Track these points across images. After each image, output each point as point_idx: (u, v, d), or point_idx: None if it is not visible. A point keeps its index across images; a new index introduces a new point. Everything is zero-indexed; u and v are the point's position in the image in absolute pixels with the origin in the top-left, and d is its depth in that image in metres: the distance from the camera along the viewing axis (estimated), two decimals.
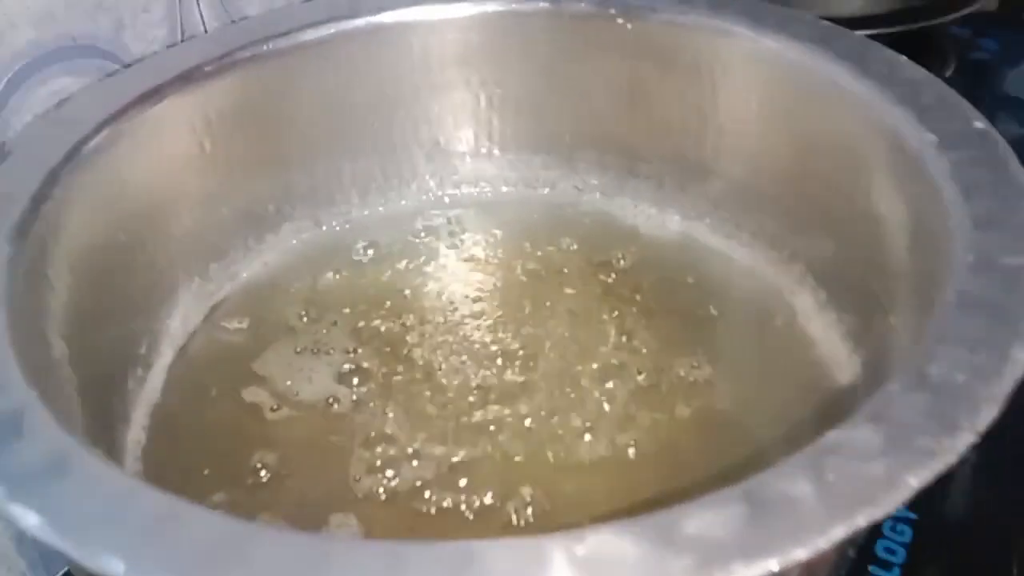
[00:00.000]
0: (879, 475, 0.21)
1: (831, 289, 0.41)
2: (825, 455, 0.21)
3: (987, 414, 0.22)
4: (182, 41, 0.49)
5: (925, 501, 0.21)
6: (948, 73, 0.64)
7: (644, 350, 0.41)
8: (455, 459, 0.36)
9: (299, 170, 0.46)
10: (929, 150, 0.32)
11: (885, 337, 0.37)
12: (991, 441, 0.22)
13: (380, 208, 0.49)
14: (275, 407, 0.39)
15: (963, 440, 0.21)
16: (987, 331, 0.25)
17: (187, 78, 0.40)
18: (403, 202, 0.50)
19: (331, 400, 0.39)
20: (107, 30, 0.45)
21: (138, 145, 0.38)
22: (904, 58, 0.37)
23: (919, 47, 0.60)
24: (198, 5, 0.48)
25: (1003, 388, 0.23)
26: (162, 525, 0.21)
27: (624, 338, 0.41)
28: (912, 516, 0.40)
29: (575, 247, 0.47)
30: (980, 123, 0.32)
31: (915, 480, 0.21)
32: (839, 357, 0.40)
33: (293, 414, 0.38)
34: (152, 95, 0.39)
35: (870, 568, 0.37)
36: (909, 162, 0.34)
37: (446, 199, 0.50)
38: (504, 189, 0.50)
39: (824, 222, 0.41)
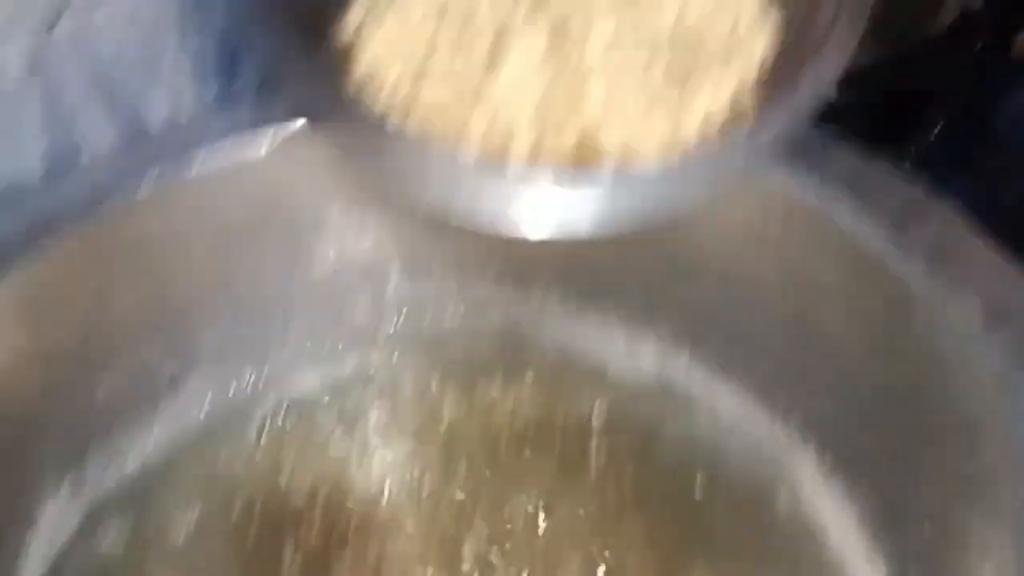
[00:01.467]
0: None
1: (840, 455, 0.34)
2: None
3: None
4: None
5: None
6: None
7: (625, 548, 0.34)
8: None
9: (196, 322, 0.38)
10: (972, 324, 0.25)
11: (910, 525, 0.30)
12: None
13: (304, 356, 0.41)
14: None
15: None
16: None
17: None
18: (328, 344, 0.41)
19: None
20: None
21: None
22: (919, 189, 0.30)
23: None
24: None
25: None
26: None
27: (601, 529, 0.34)
28: None
29: (533, 395, 0.39)
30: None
31: None
32: (855, 551, 0.33)
33: None
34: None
35: None
36: (944, 337, 0.27)
37: (383, 338, 0.42)
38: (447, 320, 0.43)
39: (833, 374, 0.34)
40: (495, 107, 0.28)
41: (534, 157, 0.28)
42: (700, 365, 0.39)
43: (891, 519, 0.31)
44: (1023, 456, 0.24)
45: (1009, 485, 0.24)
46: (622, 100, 0.28)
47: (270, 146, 0.34)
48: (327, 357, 0.41)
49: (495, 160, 0.27)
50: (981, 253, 0.28)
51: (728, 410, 0.38)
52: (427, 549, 0.34)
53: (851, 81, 0.27)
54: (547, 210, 0.28)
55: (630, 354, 0.41)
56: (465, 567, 0.33)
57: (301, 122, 0.33)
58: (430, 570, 0.33)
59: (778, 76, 0.29)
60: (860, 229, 0.30)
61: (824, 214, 0.31)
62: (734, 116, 0.28)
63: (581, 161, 0.28)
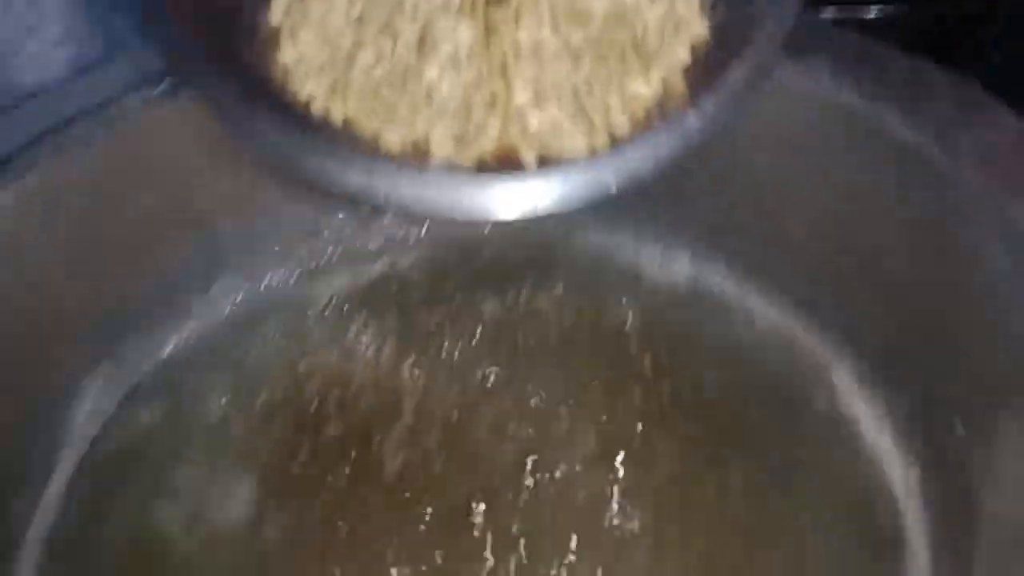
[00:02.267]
0: None
1: (877, 362, 0.34)
2: None
3: None
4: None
5: None
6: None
7: (655, 447, 0.33)
8: None
9: (226, 221, 0.38)
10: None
11: (943, 433, 0.29)
12: None
13: (334, 256, 0.41)
14: (184, 533, 0.32)
15: None
16: None
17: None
18: (358, 245, 0.42)
19: (254, 528, 0.32)
20: None
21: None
22: (978, 90, 0.28)
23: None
24: None
25: None
26: None
27: (629, 429, 0.34)
28: None
29: (565, 299, 0.39)
30: None
31: None
32: (890, 454, 0.32)
33: (205, 544, 0.32)
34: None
35: None
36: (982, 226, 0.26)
37: (411, 240, 0.42)
38: (479, 226, 0.42)
39: (872, 282, 0.33)
40: (422, 97, 0.27)
41: (460, 148, 0.27)
42: (736, 272, 0.38)
43: (923, 419, 0.30)
44: None
45: None
46: (551, 86, 0.27)
47: None
48: (357, 259, 0.41)
49: (417, 154, 0.26)
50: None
51: (764, 315, 0.37)
52: (453, 441, 0.34)
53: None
54: (475, 200, 0.27)
55: (664, 262, 0.40)
56: (492, 464, 0.34)
57: None
58: (454, 464, 0.34)
59: (715, 56, 0.27)
60: (904, 131, 0.28)
61: (865, 116, 0.30)
62: (668, 98, 0.27)
63: (508, 150, 0.27)
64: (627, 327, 0.38)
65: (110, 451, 0.35)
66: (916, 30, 0.49)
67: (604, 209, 0.40)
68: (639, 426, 0.34)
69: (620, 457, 0.33)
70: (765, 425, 0.34)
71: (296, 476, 0.34)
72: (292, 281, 0.40)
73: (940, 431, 0.30)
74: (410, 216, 0.36)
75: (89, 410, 0.35)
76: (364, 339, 0.38)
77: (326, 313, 0.39)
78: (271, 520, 0.32)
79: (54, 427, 0.34)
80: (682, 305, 0.38)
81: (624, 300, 0.39)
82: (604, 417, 0.35)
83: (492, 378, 0.36)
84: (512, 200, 0.26)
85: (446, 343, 0.38)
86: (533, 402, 0.35)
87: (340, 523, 0.32)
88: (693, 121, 0.26)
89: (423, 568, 0.31)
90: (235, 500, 0.33)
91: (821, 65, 0.30)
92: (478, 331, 0.38)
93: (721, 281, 0.39)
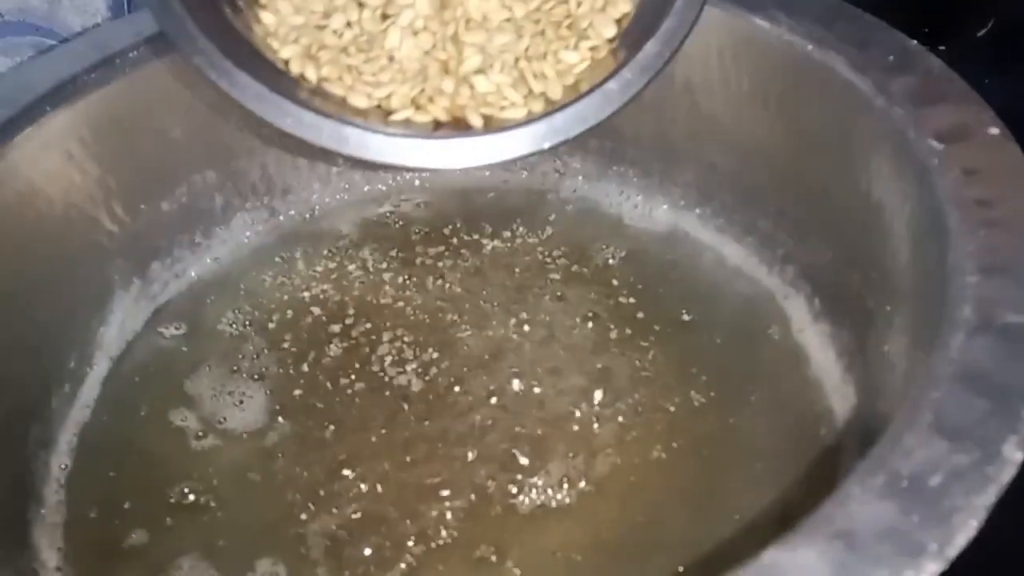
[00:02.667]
0: None
1: (827, 298, 0.37)
2: None
3: (963, 535, 0.18)
4: (128, 12, 0.45)
5: None
6: (983, 31, 0.57)
7: (628, 367, 0.37)
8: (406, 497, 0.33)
9: (247, 159, 0.42)
10: (933, 162, 0.27)
11: (879, 363, 0.33)
12: None
13: (344, 195, 0.45)
14: (201, 434, 0.36)
15: (928, 570, 0.18)
16: (976, 414, 0.20)
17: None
18: (367, 187, 0.46)
19: (265, 430, 0.36)
20: (40, 3, 0.41)
21: (46, 144, 0.35)
22: (915, 43, 0.31)
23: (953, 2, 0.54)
24: None
25: (986, 499, 0.19)
26: None
27: (606, 351, 0.38)
28: None
29: (555, 238, 0.43)
30: (995, 128, 0.27)
31: None
32: (833, 379, 0.36)
33: (219, 444, 0.36)
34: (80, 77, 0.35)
35: None
36: (912, 171, 0.29)
37: (416, 182, 0.46)
38: (474, 173, 0.46)
39: (821, 223, 0.37)
40: (385, 61, 0.32)
41: (418, 110, 0.31)
42: (710, 218, 0.42)
43: (864, 352, 0.34)
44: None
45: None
46: (496, 53, 0.32)
47: None
48: (365, 199, 0.45)
49: (381, 114, 0.31)
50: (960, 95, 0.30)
51: (732, 255, 0.41)
52: (447, 359, 0.38)
53: None
54: (429, 154, 0.31)
55: (645, 210, 0.44)
56: (483, 378, 0.37)
57: None
58: (447, 379, 0.37)
59: (635, 27, 0.32)
60: (850, 74, 0.32)
61: (824, 68, 0.33)
62: (596, 66, 0.32)
63: (458, 112, 0.31)
64: (610, 263, 0.41)
65: (137, 362, 0.39)
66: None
67: (590, 162, 0.45)
68: (615, 348, 0.38)
69: (596, 373, 0.37)
70: (727, 350, 0.37)
71: (303, 387, 0.37)
72: (306, 216, 0.44)
73: (875, 357, 0.33)
74: (376, 166, 0.39)
75: (120, 324, 0.39)
76: (369, 268, 0.42)
77: (336, 246, 0.43)
78: (279, 425, 0.36)
79: (88, 338, 0.38)
80: (660, 246, 0.42)
81: (608, 241, 0.42)
82: (585, 340, 0.38)
83: (486, 305, 0.40)
84: (460, 155, 0.31)
85: (445, 274, 0.41)
86: (524, 327, 0.39)
87: (342, 426, 0.36)
88: (615, 88, 0.30)
89: (415, 459, 0.35)
90: (247, 408, 0.37)
91: (781, 19, 0.34)
92: (474, 264, 0.42)
93: (695, 227, 0.42)
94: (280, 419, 0.36)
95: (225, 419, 0.37)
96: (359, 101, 0.32)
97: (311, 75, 0.32)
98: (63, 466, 0.35)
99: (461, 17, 0.32)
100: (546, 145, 0.31)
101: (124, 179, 0.38)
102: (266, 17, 0.33)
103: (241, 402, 0.37)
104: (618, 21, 0.32)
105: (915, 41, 0.31)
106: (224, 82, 0.30)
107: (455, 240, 0.43)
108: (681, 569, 0.30)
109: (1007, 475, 0.19)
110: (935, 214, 0.27)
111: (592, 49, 0.32)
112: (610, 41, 0.32)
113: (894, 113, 0.29)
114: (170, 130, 0.39)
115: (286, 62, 0.32)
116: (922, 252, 0.28)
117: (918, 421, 0.20)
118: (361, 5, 0.33)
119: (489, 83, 0.32)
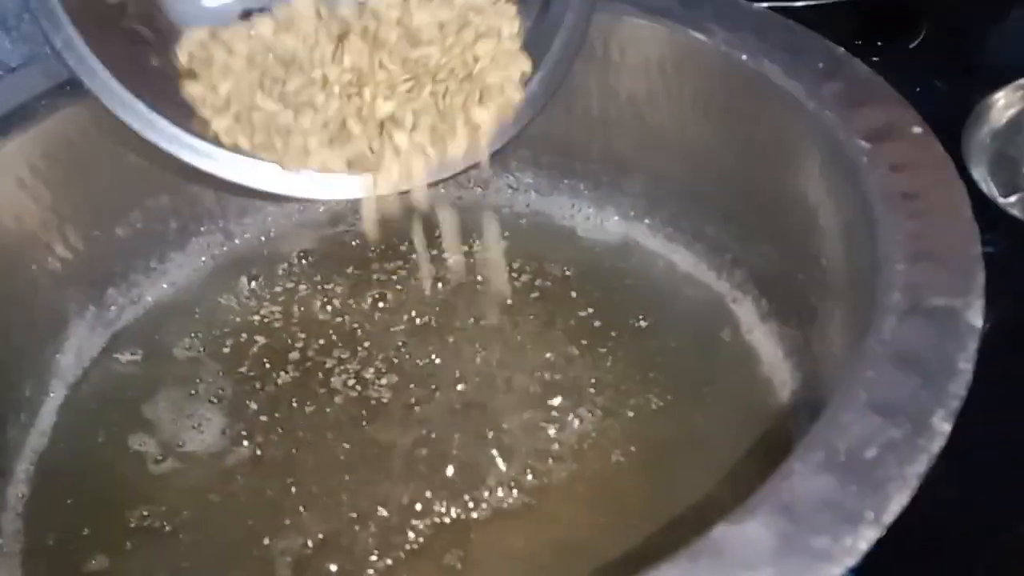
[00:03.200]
0: None
1: (774, 299, 0.38)
2: (705, 560, 0.18)
3: (897, 502, 0.19)
4: None
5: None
6: (918, 39, 0.60)
7: (586, 374, 0.38)
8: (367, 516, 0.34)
9: (201, 182, 0.42)
10: (862, 160, 0.29)
11: (823, 356, 0.34)
12: (959, 440, 0.20)
13: (299, 216, 0.45)
14: (160, 458, 0.36)
15: (866, 537, 0.18)
16: (908, 390, 0.21)
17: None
18: (323, 208, 0.46)
19: (223, 453, 0.36)
20: None
21: None
22: (842, 50, 0.33)
23: (888, 9, 0.57)
24: None
25: (917, 468, 0.20)
26: None
27: (562, 356, 0.38)
28: None
29: (511, 252, 0.43)
30: (918, 128, 0.29)
31: None
32: (782, 375, 0.37)
33: (179, 468, 0.36)
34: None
35: None
36: (842, 171, 0.30)
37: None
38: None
39: (765, 226, 0.38)
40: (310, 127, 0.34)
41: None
42: (659, 227, 0.43)
43: (810, 347, 0.35)
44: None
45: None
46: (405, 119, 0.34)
47: None
48: (320, 220, 0.46)
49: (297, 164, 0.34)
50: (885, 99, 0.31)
51: (682, 262, 0.42)
52: (403, 373, 0.38)
53: None
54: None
55: (596, 221, 0.45)
56: (435, 393, 0.38)
57: None
58: (407, 394, 0.38)
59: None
60: (784, 81, 0.33)
61: (759, 77, 0.35)
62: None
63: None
64: (566, 274, 0.42)
65: (94, 388, 0.39)
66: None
67: (543, 176, 0.46)
68: (574, 354, 0.39)
69: (555, 382, 0.38)
70: (681, 352, 0.38)
71: (261, 408, 0.38)
72: (261, 239, 0.45)
73: (819, 350, 0.34)
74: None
75: (76, 351, 0.39)
76: (325, 288, 0.42)
77: (292, 267, 0.43)
78: (238, 447, 0.36)
79: (44, 366, 0.38)
80: (613, 256, 0.43)
81: (562, 253, 0.43)
82: (543, 349, 0.39)
83: (442, 319, 0.40)
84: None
85: (401, 290, 0.42)
86: (482, 339, 0.39)
87: (301, 446, 0.36)
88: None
89: (374, 474, 0.35)
90: (205, 431, 0.37)
91: (717, 32, 0.35)
92: (430, 279, 0.42)
93: (646, 236, 0.43)
94: (239, 441, 0.37)
95: (184, 443, 0.37)
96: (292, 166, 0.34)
97: (244, 144, 0.33)
98: (20, 495, 0.35)
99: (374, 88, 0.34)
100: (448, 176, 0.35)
101: (77, 205, 0.38)
102: (193, 86, 0.33)
103: (199, 425, 0.37)
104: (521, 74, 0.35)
105: (843, 49, 0.33)
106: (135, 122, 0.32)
107: (413, 256, 0.44)
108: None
109: (936, 445, 0.20)
110: (864, 208, 0.28)
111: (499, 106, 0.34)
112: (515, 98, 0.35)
113: (824, 116, 0.31)
114: (123, 155, 0.39)
115: (215, 133, 0.33)
116: (855, 245, 0.29)
117: (854, 400, 0.21)
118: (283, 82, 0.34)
119: (407, 141, 0.34)
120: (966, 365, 0.22)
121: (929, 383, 0.22)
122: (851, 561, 0.18)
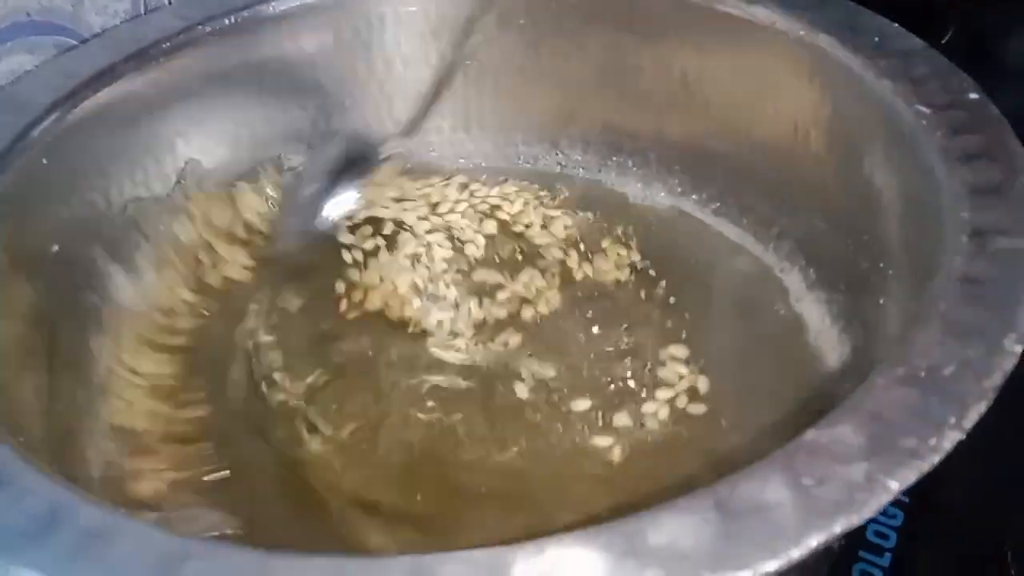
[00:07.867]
0: (858, 478, 0.19)
1: (821, 268, 0.40)
2: (802, 456, 0.20)
3: (975, 410, 0.21)
4: (144, 13, 0.47)
5: (918, 484, 0.20)
6: (944, 40, 0.62)
7: (635, 334, 0.39)
8: None
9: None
10: (921, 124, 0.31)
11: (874, 320, 0.35)
12: (987, 424, 0.21)
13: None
14: None
15: (949, 439, 0.20)
16: (979, 319, 0.23)
17: (143, 56, 0.38)
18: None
19: None
20: (64, 4, 0.43)
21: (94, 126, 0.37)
22: (896, 26, 0.35)
23: (914, 11, 0.58)
24: None
25: (993, 382, 0.21)
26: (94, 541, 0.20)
27: (614, 320, 0.40)
28: (905, 499, 0.38)
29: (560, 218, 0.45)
30: (975, 94, 0.31)
31: (896, 483, 0.19)
32: (830, 341, 0.38)
33: None
34: (106, 74, 0.37)
35: (860, 553, 0.36)
36: (901, 136, 0.32)
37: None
38: (484, 165, 0.49)
39: (814, 198, 0.39)
40: None
41: None
42: (709, 201, 0.45)
43: (859, 314, 0.37)
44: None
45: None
46: None
47: None
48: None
49: None
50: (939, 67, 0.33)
51: (732, 233, 0.43)
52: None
53: None
54: None
55: (647, 195, 0.46)
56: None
57: None
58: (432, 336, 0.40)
59: None
60: (841, 55, 0.35)
61: (811, 49, 0.36)
62: None
63: None
64: (617, 243, 0.44)
65: None
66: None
67: (591, 153, 0.47)
68: (624, 324, 0.40)
69: (608, 347, 0.39)
70: (731, 321, 0.40)
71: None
72: None
73: (870, 315, 0.36)
74: None
75: None
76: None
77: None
78: None
79: None
80: (663, 227, 0.45)
81: (614, 222, 0.45)
82: (593, 313, 0.40)
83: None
84: None
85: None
86: (532, 298, 0.41)
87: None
88: None
89: None
90: None
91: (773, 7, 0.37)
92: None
93: (696, 207, 0.45)
94: None
95: None
96: None
97: None
98: None
99: None
100: None
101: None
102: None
103: None
104: None
105: (896, 24, 0.35)
106: None
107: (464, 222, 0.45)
108: None
109: (1009, 363, 0.22)
110: (926, 169, 0.30)
111: None
112: None
113: (883, 85, 0.33)
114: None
115: None
116: (916, 205, 0.31)
117: (929, 327, 0.23)
118: None
119: None
120: None
121: (998, 313, 0.23)
122: (936, 458, 0.20)
